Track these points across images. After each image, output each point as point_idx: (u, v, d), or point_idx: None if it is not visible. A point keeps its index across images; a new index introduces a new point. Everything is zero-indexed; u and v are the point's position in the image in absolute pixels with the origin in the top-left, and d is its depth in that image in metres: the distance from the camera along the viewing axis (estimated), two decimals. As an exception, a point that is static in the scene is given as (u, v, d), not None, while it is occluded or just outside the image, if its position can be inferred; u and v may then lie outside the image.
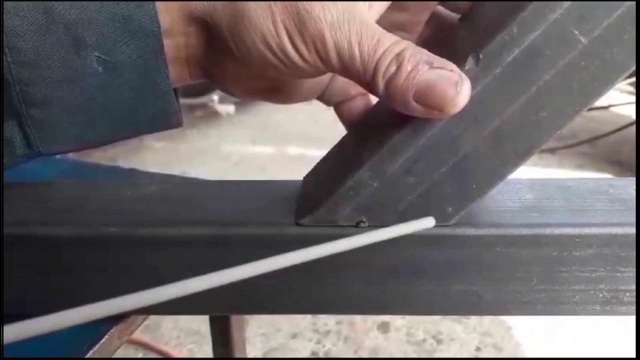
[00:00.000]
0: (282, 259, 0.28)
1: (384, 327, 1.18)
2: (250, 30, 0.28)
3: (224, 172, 1.86)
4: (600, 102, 0.32)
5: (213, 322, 0.73)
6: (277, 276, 0.30)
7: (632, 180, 0.36)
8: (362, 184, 0.31)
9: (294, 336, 1.16)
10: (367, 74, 0.28)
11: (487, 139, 0.29)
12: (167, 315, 1.08)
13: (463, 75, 0.27)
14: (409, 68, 0.27)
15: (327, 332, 1.17)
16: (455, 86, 0.27)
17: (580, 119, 0.29)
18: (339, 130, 0.38)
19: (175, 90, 0.31)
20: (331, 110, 0.38)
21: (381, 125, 0.32)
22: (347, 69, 0.28)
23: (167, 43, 0.29)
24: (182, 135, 2.05)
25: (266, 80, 0.33)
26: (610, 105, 1.98)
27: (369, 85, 0.28)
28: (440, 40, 0.34)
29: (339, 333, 1.17)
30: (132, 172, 0.60)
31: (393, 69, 0.27)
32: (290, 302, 0.34)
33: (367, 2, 0.29)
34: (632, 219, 0.31)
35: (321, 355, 1.13)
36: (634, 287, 0.32)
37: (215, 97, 2.10)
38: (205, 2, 0.29)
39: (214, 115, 2.17)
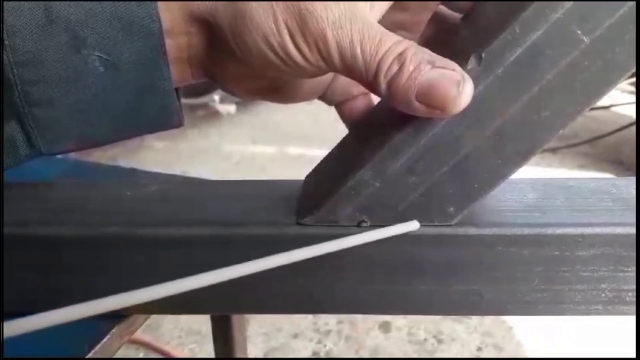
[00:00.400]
0: (274, 259, 0.28)
1: (385, 327, 1.18)
2: (251, 29, 0.28)
3: (224, 171, 1.86)
4: (602, 102, 0.32)
5: (214, 322, 0.73)
6: (278, 276, 0.30)
7: (633, 180, 0.36)
8: (363, 183, 0.30)
9: (295, 336, 1.16)
10: (369, 73, 0.28)
11: (489, 139, 0.29)
12: (168, 315, 1.08)
13: (465, 74, 0.27)
14: (411, 68, 0.27)
15: (328, 332, 1.17)
16: (457, 86, 0.27)
17: (582, 119, 0.29)
18: (340, 130, 0.38)
19: (176, 89, 0.31)
20: (332, 109, 0.38)
21: (383, 124, 0.32)
22: (349, 68, 0.28)
23: (169, 43, 0.29)
24: (182, 134, 2.05)
25: (267, 80, 0.33)
26: (611, 105, 1.98)
27: (371, 85, 0.28)
28: (442, 40, 0.34)
29: (340, 333, 1.17)
30: (133, 172, 0.60)
31: (395, 68, 0.27)
32: (291, 301, 0.34)
33: (368, 2, 0.29)
34: (634, 218, 0.31)
35: (322, 355, 1.13)
36: (635, 286, 0.32)
37: (216, 96, 2.10)
38: (206, 2, 0.29)
39: (214, 115, 2.17)
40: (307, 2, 0.27)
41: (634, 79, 1.78)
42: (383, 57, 0.27)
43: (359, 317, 1.20)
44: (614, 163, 1.86)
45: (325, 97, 0.37)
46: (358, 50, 0.27)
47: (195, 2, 0.29)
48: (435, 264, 0.32)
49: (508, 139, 0.29)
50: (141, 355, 1.13)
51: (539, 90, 0.28)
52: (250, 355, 1.09)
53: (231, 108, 2.17)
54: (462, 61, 0.28)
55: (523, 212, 0.32)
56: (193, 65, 0.32)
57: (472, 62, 0.28)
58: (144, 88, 0.30)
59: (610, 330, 1.10)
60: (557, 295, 0.32)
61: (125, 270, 0.33)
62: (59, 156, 0.59)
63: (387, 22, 0.32)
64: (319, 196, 0.32)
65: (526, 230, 0.31)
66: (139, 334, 1.11)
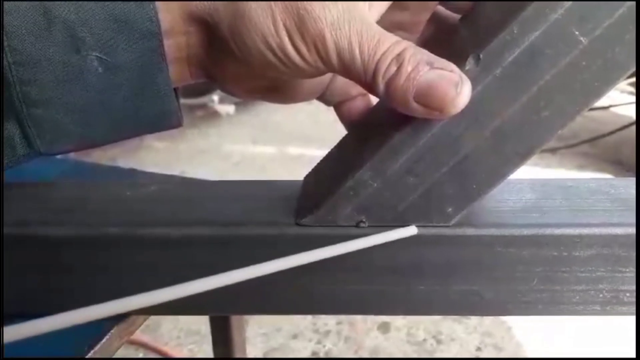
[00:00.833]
0: (273, 263, 0.28)
1: (385, 327, 1.18)
2: (250, 30, 0.28)
3: (224, 172, 1.86)
4: (601, 102, 0.32)
5: (213, 322, 0.73)
6: (277, 277, 0.30)
7: (633, 180, 0.36)
8: (362, 184, 0.31)
9: (295, 336, 1.16)
10: (367, 74, 0.28)
11: (488, 139, 0.29)
12: (167, 316, 1.08)
13: (463, 75, 0.27)
14: (410, 69, 0.27)
15: (328, 332, 1.17)
16: (455, 87, 0.27)
17: (581, 119, 0.29)
18: (340, 131, 0.38)
19: (175, 90, 0.31)
20: (331, 110, 0.38)
21: (381, 125, 0.32)
22: (347, 69, 0.28)
23: (168, 43, 0.29)
24: (182, 135, 2.05)
25: (266, 80, 0.33)
26: (610, 106, 1.98)
27: (370, 86, 0.28)
28: (441, 41, 0.34)
29: (339, 333, 1.17)
30: (132, 172, 0.60)
31: (393, 69, 0.27)
32: (290, 302, 0.34)
33: (367, 2, 0.29)
34: (633, 219, 0.31)
35: (321, 356, 1.13)
36: (634, 287, 0.32)
37: (215, 97, 2.10)
38: (205, 2, 0.29)
39: (214, 115, 2.17)
40: (305, 3, 0.27)
41: (633, 79, 1.78)
42: (381, 57, 0.27)
43: (358, 318, 1.20)
44: (613, 163, 1.86)
45: (324, 98, 0.37)
46: (356, 51, 0.27)
47: (194, 2, 0.29)
48: (434, 264, 0.32)
49: (507, 139, 0.29)
50: (140, 356, 1.13)
51: (538, 91, 0.28)
52: (250, 356, 1.09)
53: (230, 108, 2.17)
54: (460, 62, 0.28)
55: (522, 212, 0.33)
56: (192, 65, 0.32)
57: (470, 63, 0.28)
58: (142, 88, 0.30)
59: (610, 330, 1.10)
60: (555, 296, 0.32)
61: (125, 270, 0.33)
62: (58, 156, 0.59)
63: (386, 23, 0.32)
64: (318, 196, 0.32)
65: (525, 231, 0.31)
66: (138, 335, 1.11)
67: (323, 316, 1.19)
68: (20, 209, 0.35)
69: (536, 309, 0.33)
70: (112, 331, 0.36)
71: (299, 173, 0.37)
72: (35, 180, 0.40)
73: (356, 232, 0.31)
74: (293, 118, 2.23)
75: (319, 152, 0.36)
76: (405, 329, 1.18)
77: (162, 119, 0.32)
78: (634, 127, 1.77)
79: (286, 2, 0.27)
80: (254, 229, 0.32)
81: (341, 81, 0.36)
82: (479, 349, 1.13)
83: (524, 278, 0.32)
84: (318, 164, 0.36)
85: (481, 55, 0.28)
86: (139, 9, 0.28)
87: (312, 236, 0.32)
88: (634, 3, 0.27)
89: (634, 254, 0.31)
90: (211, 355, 0.75)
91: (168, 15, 0.29)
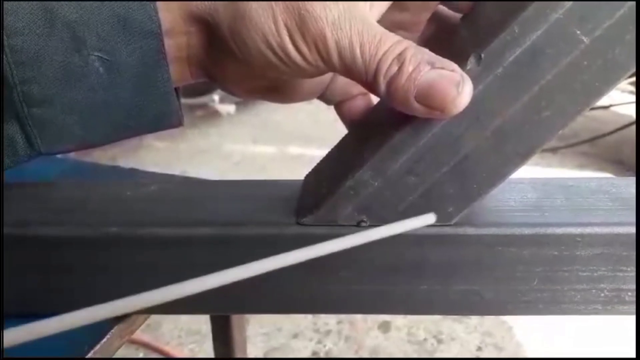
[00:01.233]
0: (282, 258, 0.28)
1: (385, 327, 1.18)
2: (251, 29, 0.28)
3: (224, 171, 1.86)
4: (602, 101, 0.32)
5: (214, 322, 0.73)
6: (278, 276, 0.30)
7: (633, 180, 0.36)
8: (363, 183, 0.31)
9: (295, 336, 1.16)
10: (368, 74, 0.28)
11: (489, 139, 0.29)
12: (167, 315, 1.08)
13: (465, 75, 0.27)
14: (411, 68, 0.27)
15: (328, 332, 1.17)
16: (456, 86, 0.27)
17: (582, 119, 0.29)
18: (340, 130, 0.38)
19: (176, 89, 0.31)
20: (332, 109, 0.38)
21: (382, 124, 0.32)
22: (348, 69, 0.28)
23: (168, 43, 0.29)
24: (182, 134, 2.05)
25: (267, 80, 0.33)
26: (611, 105, 1.98)
27: (370, 85, 0.28)
28: (442, 40, 0.34)
29: (339, 333, 1.17)
30: (133, 172, 0.60)
31: (394, 69, 0.27)
32: (291, 301, 0.34)
33: (368, 2, 0.29)
34: (634, 218, 0.31)
35: (322, 355, 1.13)
36: (635, 286, 0.32)
37: (215, 96, 2.10)
38: (206, 2, 0.29)
39: (214, 114, 2.17)
40: (306, 2, 0.27)
41: (633, 79, 1.78)
42: (382, 57, 0.27)
43: (358, 317, 1.20)
44: (614, 163, 1.86)
45: (324, 97, 0.37)
46: (357, 51, 0.27)
47: (195, 2, 0.29)
48: (435, 264, 0.32)
49: (508, 138, 0.29)
50: (141, 355, 1.13)
51: (539, 90, 0.28)
52: (250, 356, 1.09)
53: (231, 108, 2.17)
54: (461, 61, 0.28)
55: (522, 212, 0.33)
56: (192, 65, 0.32)
57: (471, 62, 0.28)
58: (143, 88, 0.30)
59: (610, 330, 1.10)
60: (556, 295, 0.32)
61: (125, 270, 0.33)
62: (58, 156, 0.59)
63: (387, 22, 0.32)
64: (318, 196, 0.32)
65: (525, 230, 0.31)
66: (139, 334, 1.11)
67: (323, 316, 1.19)
68: (20, 208, 0.35)
69: (537, 309, 0.33)
70: (112, 331, 0.36)
71: (299, 173, 0.37)
72: (35, 180, 0.40)
73: (356, 232, 0.31)
74: (293, 117, 2.23)
75: (320, 152, 0.36)
76: (405, 329, 1.18)
77: (162, 119, 0.32)
78: (634, 127, 1.77)
79: (287, 2, 0.27)
80: (255, 228, 0.32)
81: (342, 81, 0.36)
82: (479, 348, 1.13)
83: (524, 278, 0.32)
84: (318, 163, 0.36)
85: (482, 55, 0.28)
86: (140, 9, 0.28)
87: (313, 236, 0.32)
88: (634, 3, 0.27)
89: (634, 254, 0.31)
90: (212, 355, 0.75)
91: (168, 15, 0.29)
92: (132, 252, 0.33)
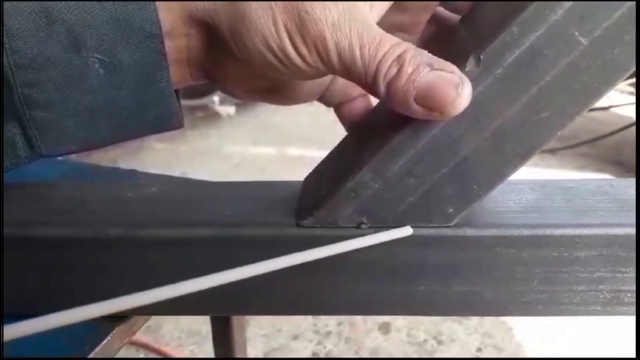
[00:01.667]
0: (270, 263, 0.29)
1: (385, 328, 1.18)
2: (251, 31, 0.28)
3: (224, 173, 1.86)
4: (601, 102, 0.32)
5: (214, 323, 0.73)
6: (278, 277, 0.30)
7: (633, 181, 0.36)
8: (362, 185, 0.31)
9: (295, 337, 1.16)
10: (368, 75, 0.28)
11: (488, 140, 0.29)
12: (168, 316, 1.08)
13: (464, 77, 0.27)
14: (410, 70, 0.27)
15: (328, 333, 1.17)
16: (456, 88, 0.27)
17: (581, 120, 0.29)
18: (340, 132, 0.38)
19: (176, 91, 0.31)
20: (331, 111, 0.38)
21: (381, 126, 0.32)
22: (348, 70, 0.28)
23: (168, 44, 0.29)
24: (182, 136, 2.05)
25: (267, 81, 0.33)
26: (610, 106, 1.98)
27: (370, 87, 0.28)
28: (441, 41, 0.34)
29: (339, 334, 1.17)
30: (133, 173, 0.60)
31: (394, 71, 0.27)
32: (291, 302, 0.34)
33: (368, 3, 0.29)
34: (633, 219, 0.31)
35: (322, 356, 1.13)
36: (634, 287, 0.32)
37: (216, 98, 2.10)
38: (206, 3, 0.29)
39: (214, 116, 2.17)
40: (306, 3, 0.27)
41: (633, 80, 1.78)
42: (382, 59, 0.27)
43: (358, 319, 1.20)
44: (613, 164, 1.86)
45: (324, 99, 0.37)
46: (357, 53, 0.27)
47: (195, 3, 0.29)
48: (434, 265, 0.32)
49: (507, 139, 0.29)
50: (141, 357, 1.13)
51: (538, 91, 0.28)
52: (250, 356, 1.09)
53: (231, 109, 2.17)
54: (460, 62, 0.28)
55: (522, 213, 0.33)
56: (192, 66, 0.32)
57: (470, 64, 0.28)
58: (144, 90, 0.30)
59: (610, 330, 1.10)
60: (556, 296, 0.33)
61: (126, 270, 0.33)
62: (59, 158, 0.59)
63: (386, 24, 0.32)
64: (318, 197, 0.32)
65: (525, 232, 0.31)
66: (139, 335, 1.11)
67: (323, 317, 1.19)
68: (20, 209, 0.35)
69: (536, 310, 0.33)
70: (113, 332, 0.36)
71: (299, 174, 0.37)
72: (36, 181, 0.40)
73: (357, 233, 0.31)
74: (293, 119, 2.23)
75: (319, 153, 0.37)
76: (405, 330, 1.18)
77: (163, 121, 0.32)
78: (634, 128, 1.77)
79: (287, 3, 0.28)
80: (254, 229, 0.32)
81: (341, 82, 0.36)
82: (479, 349, 1.13)
83: (524, 278, 0.32)
84: (318, 165, 0.36)
85: (482, 56, 0.28)
86: (139, 11, 0.28)
87: (313, 237, 0.32)
88: (633, 4, 0.27)
89: (634, 255, 0.31)
90: (212, 356, 0.75)
91: (168, 17, 0.29)
92: (132, 253, 0.33)
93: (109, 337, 0.35)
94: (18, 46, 0.27)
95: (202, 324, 1.15)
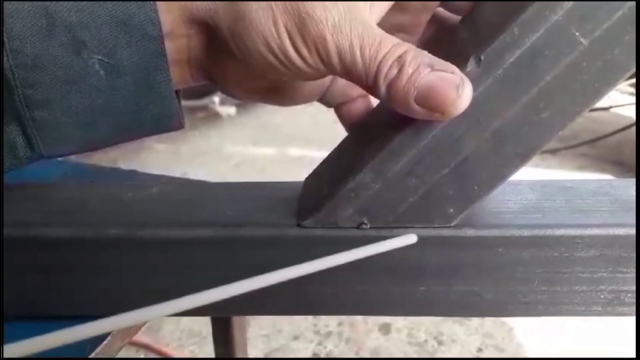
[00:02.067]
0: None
1: (385, 328, 1.18)
2: (251, 31, 0.28)
3: (224, 173, 1.86)
4: (601, 103, 0.32)
5: (214, 324, 0.73)
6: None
7: (633, 181, 0.36)
8: (363, 185, 0.31)
9: (296, 337, 1.16)
10: (368, 76, 0.28)
11: (489, 140, 0.29)
12: (168, 317, 1.08)
13: (464, 77, 0.27)
14: (410, 71, 0.27)
15: (329, 334, 1.17)
16: (456, 89, 0.27)
17: (582, 120, 0.29)
18: (340, 132, 0.38)
19: (176, 92, 0.31)
20: (332, 111, 0.38)
21: (382, 126, 0.32)
22: (348, 71, 0.28)
23: (169, 45, 0.29)
24: (183, 136, 2.05)
25: (267, 82, 0.33)
26: (611, 107, 1.98)
27: (370, 88, 0.28)
28: (441, 42, 0.34)
29: (340, 334, 1.17)
30: (133, 174, 0.60)
31: (394, 71, 0.27)
32: (291, 303, 0.34)
33: (368, 3, 0.29)
34: (633, 219, 0.31)
35: (322, 357, 1.13)
36: (634, 287, 0.32)
37: (216, 98, 2.10)
38: (206, 3, 0.29)
39: (215, 116, 2.17)
40: (306, 4, 0.27)
41: (633, 80, 1.78)
42: (382, 60, 0.27)
43: (359, 319, 1.20)
44: (614, 164, 1.86)
45: (324, 99, 0.37)
46: (357, 54, 0.27)
47: (195, 4, 0.29)
48: (435, 265, 0.32)
49: (507, 140, 0.29)
50: (142, 357, 1.13)
51: (539, 92, 0.28)
52: (251, 357, 1.09)
53: (231, 110, 2.17)
54: (461, 63, 0.28)
55: (522, 213, 0.33)
56: (193, 67, 0.32)
57: (471, 64, 0.28)
58: (144, 90, 0.30)
59: (610, 330, 1.10)
60: (556, 296, 0.32)
61: (126, 271, 0.33)
62: (59, 158, 0.59)
63: (386, 24, 0.32)
64: (319, 198, 0.32)
65: (525, 232, 0.31)
66: (140, 336, 1.11)
67: (324, 317, 1.19)
68: (20, 209, 0.35)
69: (537, 310, 0.33)
70: (113, 332, 0.36)
71: (299, 174, 0.37)
72: (36, 182, 0.40)
73: (357, 234, 0.31)
74: (294, 119, 2.22)
75: (320, 154, 0.37)
76: (406, 330, 1.18)
77: (163, 121, 0.32)
78: (634, 128, 1.77)
79: (287, 4, 0.28)
80: (255, 230, 0.32)
81: (342, 83, 0.36)
82: (480, 350, 1.13)
83: (524, 279, 0.32)
84: (319, 165, 0.36)
85: (482, 57, 0.28)
86: (140, 11, 0.28)
87: (313, 238, 0.32)
88: (633, 4, 0.27)
89: (634, 255, 0.31)
90: (212, 356, 0.75)
91: (169, 17, 0.29)
92: (132, 253, 0.33)
93: (109, 338, 0.35)
94: (18, 47, 0.27)
95: (202, 325, 1.15)
